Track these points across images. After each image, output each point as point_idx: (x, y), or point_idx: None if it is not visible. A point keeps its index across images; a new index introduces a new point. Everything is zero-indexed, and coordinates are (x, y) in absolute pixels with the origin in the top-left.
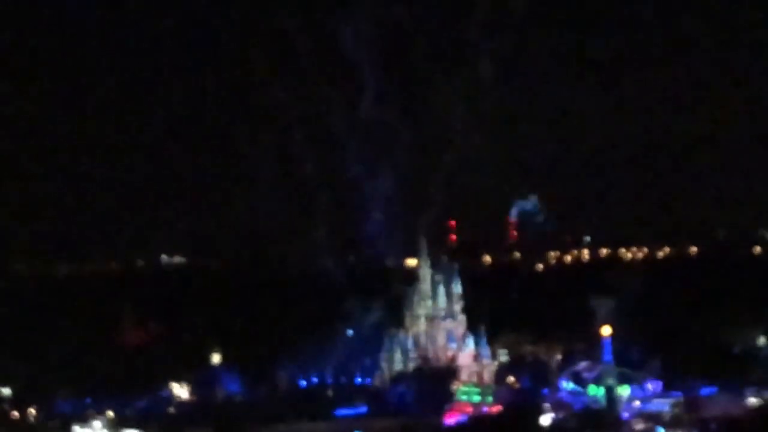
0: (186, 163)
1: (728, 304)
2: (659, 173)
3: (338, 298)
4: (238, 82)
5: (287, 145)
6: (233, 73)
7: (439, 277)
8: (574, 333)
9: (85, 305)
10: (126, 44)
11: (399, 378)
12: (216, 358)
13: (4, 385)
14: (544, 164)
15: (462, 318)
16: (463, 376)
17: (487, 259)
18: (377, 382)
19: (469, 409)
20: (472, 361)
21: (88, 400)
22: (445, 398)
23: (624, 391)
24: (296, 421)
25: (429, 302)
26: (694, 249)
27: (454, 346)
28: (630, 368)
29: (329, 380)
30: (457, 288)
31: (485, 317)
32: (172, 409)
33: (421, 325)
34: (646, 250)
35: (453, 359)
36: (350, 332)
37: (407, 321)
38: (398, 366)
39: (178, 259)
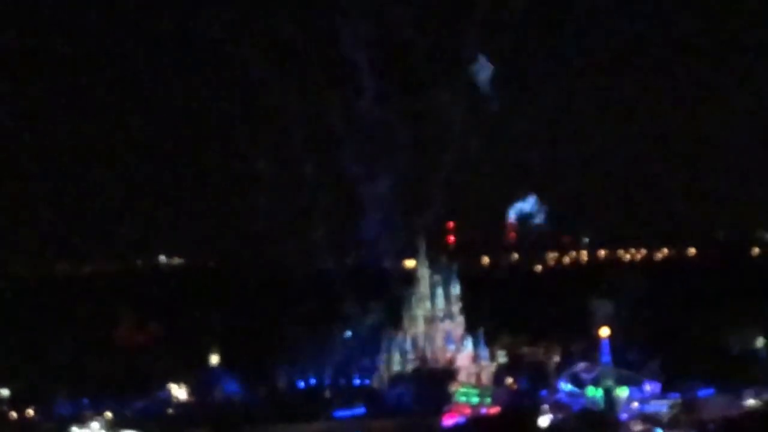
0: (185, 164)
1: (727, 306)
2: (658, 174)
3: (337, 299)
4: (237, 83)
5: (286, 146)
6: (233, 73)
7: (437, 279)
8: (572, 334)
9: (84, 306)
10: (125, 44)
11: (397, 379)
12: (214, 359)
13: (2, 385)
14: (543, 165)
15: (460, 319)
16: (462, 377)
17: (486, 260)
18: (376, 383)
19: (468, 411)
20: (470, 363)
21: (87, 401)
22: (443, 399)
23: (622, 392)
24: (295, 422)
25: (427, 303)
26: (692, 250)
27: (452, 347)
28: (628, 369)
29: (328, 381)
30: (456, 289)
31: (484, 318)
32: (170, 410)
33: (420, 327)
34: (644, 251)
35: (451, 360)
36: (349, 333)
37: (406, 322)
38: (397, 367)
39: (176, 260)
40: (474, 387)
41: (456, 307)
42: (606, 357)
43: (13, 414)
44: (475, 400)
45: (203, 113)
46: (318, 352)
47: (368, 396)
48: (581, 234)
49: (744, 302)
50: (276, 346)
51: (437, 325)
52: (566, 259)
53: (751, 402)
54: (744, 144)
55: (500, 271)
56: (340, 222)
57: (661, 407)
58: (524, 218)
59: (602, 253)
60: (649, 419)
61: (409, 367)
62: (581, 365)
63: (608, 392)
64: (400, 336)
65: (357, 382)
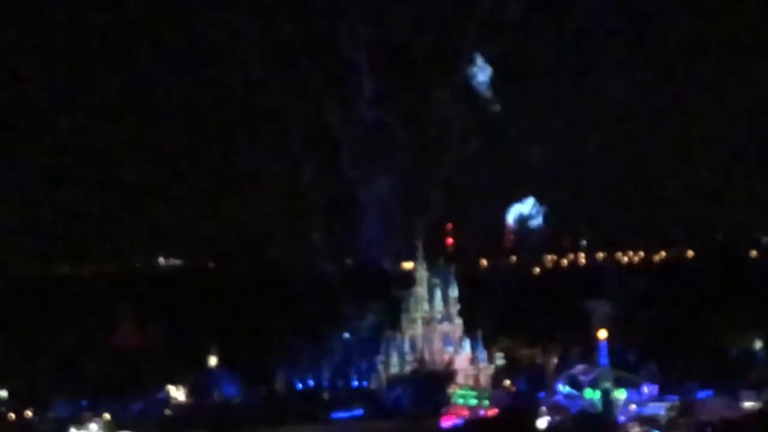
0: (183, 165)
1: (725, 308)
2: (656, 176)
3: (335, 300)
4: (236, 83)
5: (285, 146)
6: (232, 74)
7: (435, 281)
8: (570, 336)
9: (82, 307)
10: (124, 44)
11: (395, 381)
12: (213, 361)
13: (0, 386)
14: (542, 167)
15: (458, 321)
16: (460, 379)
17: (484, 262)
18: (374, 385)
19: (466, 413)
20: (468, 365)
21: (85, 403)
22: (441, 401)
23: (620, 394)
24: (293, 424)
25: (426, 305)
26: (691, 252)
27: (450, 349)
28: (626, 372)
29: (326, 383)
30: (454, 291)
31: (482, 320)
32: (168, 412)
33: (418, 329)
34: (642, 253)
35: (449, 362)
36: (347, 335)
37: (404, 324)
38: (395, 369)
39: (175, 261)
40: (472, 389)
41: (454, 309)
42: (604, 359)
43: (12, 415)
44: (473, 401)
45: (202, 114)
46: (316, 354)
47: (366, 398)
48: (580, 236)
49: (742, 304)
50: (274, 348)
51: (435, 327)
52: (564, 262)
53: (749, 404)
54: (743, 145)
55: (498, 273)
56: (338, 223)
57: (659, 409)
58: (522, 220)
59: (600, 255)
60: (647, 421)
61: (407, 368)
62: (579, 367)
63: (606, 394)
64: (398, 338)
65: (355, 383)
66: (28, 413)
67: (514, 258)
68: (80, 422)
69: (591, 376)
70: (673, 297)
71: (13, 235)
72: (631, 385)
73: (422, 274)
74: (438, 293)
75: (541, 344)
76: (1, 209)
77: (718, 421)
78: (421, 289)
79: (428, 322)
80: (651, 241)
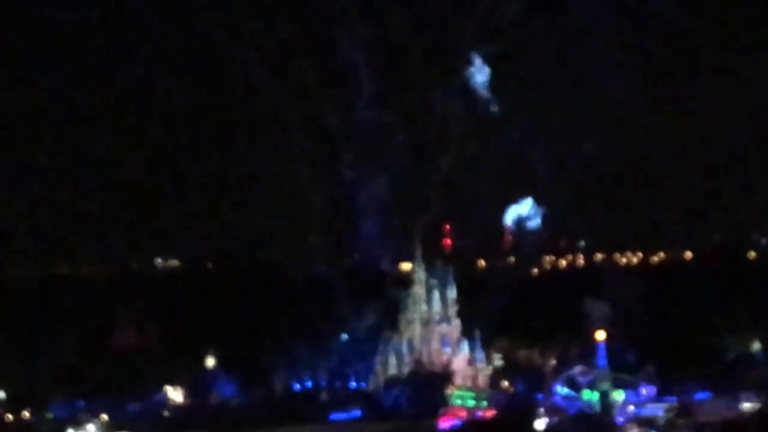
0: (181, 166)
1: (723, 309)
2: (654, 177)
3: (333, 301)
4: (234, 84)
5: (283, 147)
6: (230, 76)
7: (433, 281)
8: (568, 338)
9: (80, 308)
10: (123, 45)
11: (393, 382)
12: (211, 362)
13: None
14: (540, 168)
15: (456, 322)
16: (458, 380)
17: (482, 263)
18: (372, 386)
19: (464, 414)
20: (466, 366)
21: (82, 403)
22: (439, 402)
23: (618, 395)
24: (291, 425)
25: (424, 306)
26: (689, 254)
27: (448, 350)
28: (625, 373)
29: (324, 384)
30: (452, 292)
31: (480, 321)
32: (166, 413)
33: (416, 330)
34: (640, 254)
35: (447, 363)
36: (345, 336)
37: (402, 325)
38: (393, 370)
39: (173, 262)
40: (470, 390)
41: (452, 310)
42: (602, 360)
43: (9, 416)
44: (471, 403)
45: (201, 114)
46: (314, 355)
47: (364, 399)
48: (578, 237)
49: (741, 305)
50: (273, 349)
51: (433, 328)
52: (563, 263)
53: (747, 405)
54: (742, 146)
55: (497, 274)
56: (337, 224)
57: (658, 411)
58: (521, 221)
59: (599, 256)
60: (646, 423)
61: (405, 370)
62: (577, 369)
63: (604, 395)
64: (396, 339)
65: (353, 384)
66: (26, 414)
67: (512, 259)
68: (78, 423)
69: (589, 378)
70: (672, 298)
71: (11, 235)
72: (630, 386)
73: (420, 275)
74: (436, 294)
75: (539, 345)
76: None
77: (716, 422)
78: (419, 290)
79: (426, 323)
80: (649, 242)
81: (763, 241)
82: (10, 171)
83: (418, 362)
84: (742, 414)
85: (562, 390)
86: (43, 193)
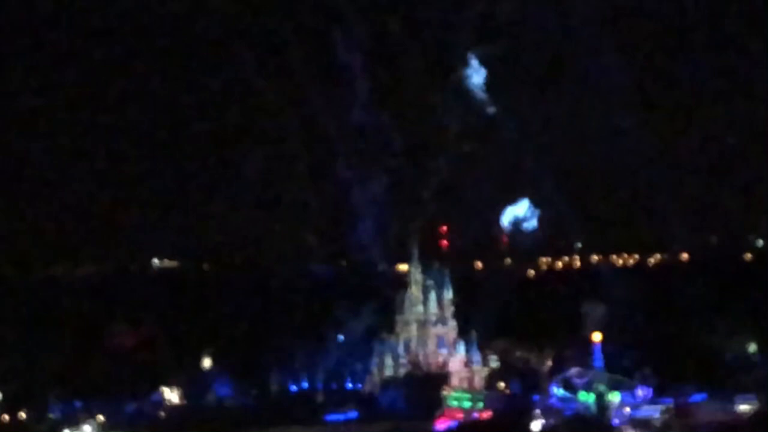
0: (178, 166)
1: (720, 311)
2: (650, 179)
3: (329, 302)
4: (231, 86)
5: (279, 149)
6: (225, 78)
7: (430, 283)
8: (564, 339)
9: (76, 308)
10: (120, 47)
11: (389, 383)
12: (207, 363)
13: None
14: (536, 169)
15: (453, 323)
16: (454, 381)
17: (479, 264)
18: (368, 387)
19: (460, 415)
20: (462, 367)
21: (79, 404)
22: (435, 404)
23: (614, 397)
24: (287, 426)
25: (420, 307)
26: (685, 255)
27: (444, 351)
28: (621, 374)
29: (320, 385)
30: (448, 293)
31: (476, 323)
32: (162, 413)
33: (412, 331)
34: (637, 256)
35: (444, 365)
36: (341, 337)
37: (398, 326)
38: (389, 371)
39: (169, 263)
40: (466, 391)
41: (448, 312)
42: (598, 362)
43: (6, 417)
44: (467, 404)
45: (197, 115)
46: (310, 356)
47: (360, 400)
48: (574, 239)
49: (737, 307)
50: (269, 350)
51: (430, 329)
52: (559, 264)
53: (743, 407)
54: (738, 148)
55: (493, 275)
56: (333, 225)
57: (654, 412)
58: (517, 223)
59: (595, 257)
60: (642, 424)
61: (402, 371)
62: (573, 370)
63: (600, 397)
64: (392, 340)
65: (349, 386)
66: (22, 414)
67: (508, 260)
68: (74, 424)
69: (585, 379)
70: (668, 300)
71: (8, 236)
72: (626, 387)
73: (417, 276)
74: (432, 295)
75: (535, 347)
76: None
77: (713, 424)
78: (415, 292)
79: (423, 324)
80: (646, 243)
81: (760, 242)
82: (7, 172)
83: (414, 363)
84: (739, 416)
85: (558, 391)
86: (39, 194)
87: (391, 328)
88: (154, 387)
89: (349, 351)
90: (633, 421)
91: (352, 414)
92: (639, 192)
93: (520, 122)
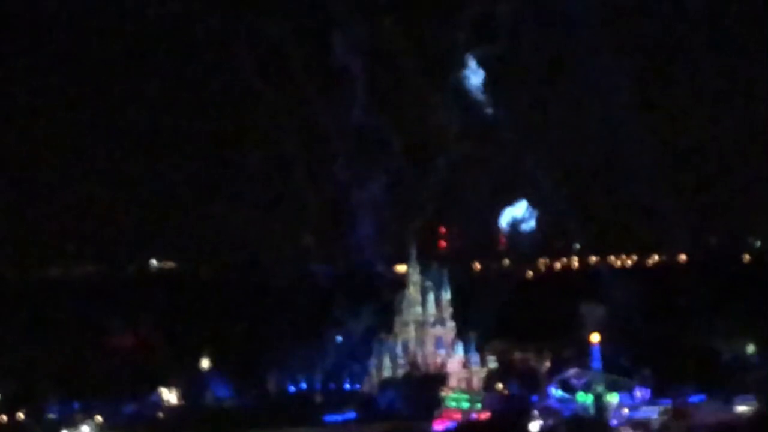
0: (177, 168)
1: (718, 312)
2: (649, 180)
3: (328, 303)
4: (228, 89)
5: (278, 150)
6: (224, 80)
7: (428, 284)
8: (563, 340)
9: (75, 310)
10: (118, 49)
11: (388, 384)
12: (205, 363)
13: None
14: (535, 170)
15: (451, 324)
16: (452, 382)
17: (477, 265)
18: (366, 387)
19: (458, 416)
20: (461, 368)
21: (77, 405)
22: (434, 404)
23: (613, 398)
24: (286, 427)
25: (418, 308)
26: (683, 256)
27: (443, 352)
28: (619, 375)
29: (318, 386)
30: (447, 294)
31: (474, 324)
32: (160, 414)
33: (411, 332)
34: (636, 257)
35: (442, 366)
36: (339, 338)
37: (396, 327)
38: (387, 372)
39: (168, 264)
40: (464, 392)
41: (447, 313)
42: (596, 363)
43: (4, 417)
44: (466, 405)
45: (194, 119)
46: (309, 357)
47: (359, 401)
48: (572, 240)
49: (735, 308)
50: (267, 350)
51: (428, 330)
52: (557, 265)
53: (742, 408)
54: (736, 150)
55: (491, 276)
56: (332, 226)
57: (652, 413)
58: (515, 224)
59: (593, 258)
60: (640, 425)
61: (400, 372)
62: (572, 371)
63: (599, 398)
64: (390, 341)
65: (348, 386)
66: (20, 415)
67: (506, 261)
68: (72, 424)
69: (584, 380)
70: (667, 301)
71: (6, 237)
72: (624, 388)
73: (415, 277)
74: (431, 296)
75: (533, 348)
76: None
77: (711, 425)
78: (413, 292)
79: (421, 325)
80: (644, 244)
81: (758, 244)
82: (5, 172)
83: (412, 364)
84: (737, 417)
85: (556, 392)
86: (38, 195)
87: (389, 328)
88: (153, 388)
89: (347, 352)
90: (631, 422)
91: (351, 415)
92: (637, 193)
93: (519, 123)
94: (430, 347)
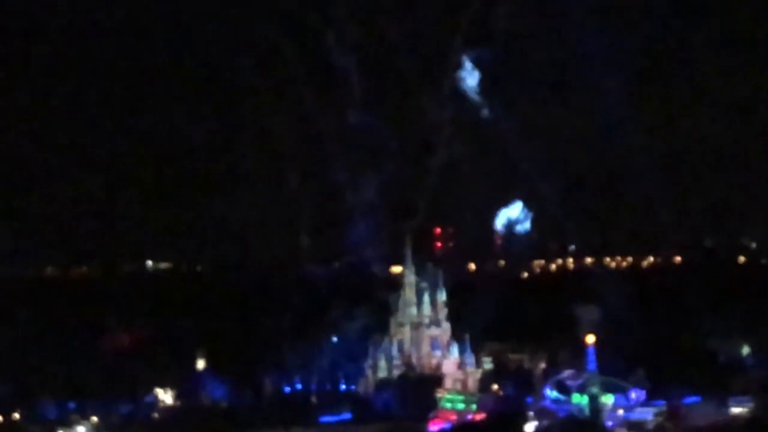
0: (173, 169)
1: (713, 313)
2: (644, 181)
3: (323, 304)
4: (225, 89)
5: (273, 151)
6: (221, 80)
7: (424, 285)
8: (558, 341)
9: (71, 310)
10: (117, 50)
11: (383, 385)
12: (201, 364)
13: None
14: (530, 172)
15: (446, 325)
16: (448, 383)
17: (472, 266)
18: (362, 388)
19: (454, 417)
20: (456, 369)
21: (73, 405)
22: (429, 405)
23: (608, 399)
24: (281, 428)
25: (414, 309)
26: (678, 258)
27: (438, 353)
28: (614, 377)
29: (314, 386)
30: (442, 295)
31: (470, 325)
32: (156, 415)
33: (406, 333)
34: (630, 258)
35: (437, 367)
36: (335, 339)
37: (392, 328)
38: (383, 373)
39: (163, 265)
40: (460, 393)
41: (442, 314)
42: (592, 364)
43: None
44: (461, 406)
45: (191, 119)
46: (304, 357)
47: (354, 401)
48: (568, 241)
49: (730, 310)
50: (263, 351)
51: (423, 331)
52: (553, 266)
53: (737, 409)
54: (731, 151)
55: (487, 277)
56: (327, 227)
57: (647, 414)
58: (511, 225)
59: (588, 260)
60: (635, 426)
61: (395, 373)
62: (567, 372)
63: (594, 399)
64: (386, 342)
65: (343, 387)
66: (16, 415)
67: (502, 262)
68: (68, 425)
69: (579, 381)
70: (662, 302)
71: (2, 237)
72: (619, 390)
73: (410, 278)
74: (426, 297)
75: (529, 349)
76: None
77: (706, 426)
78: (409, 293)
79: (416, 326)
80: (639, 246)
81: (753, 245)
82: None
83: (408, 365)
84: (732, 418)
85: (551, 393)
86: (34, 195)
87: (384, 329)
88: (148, 388)
89: (343, 352)
90: (626, 424)
91: (346, 415)
92: (633, 195)
93: (514, 124)
94: (425, 348)
